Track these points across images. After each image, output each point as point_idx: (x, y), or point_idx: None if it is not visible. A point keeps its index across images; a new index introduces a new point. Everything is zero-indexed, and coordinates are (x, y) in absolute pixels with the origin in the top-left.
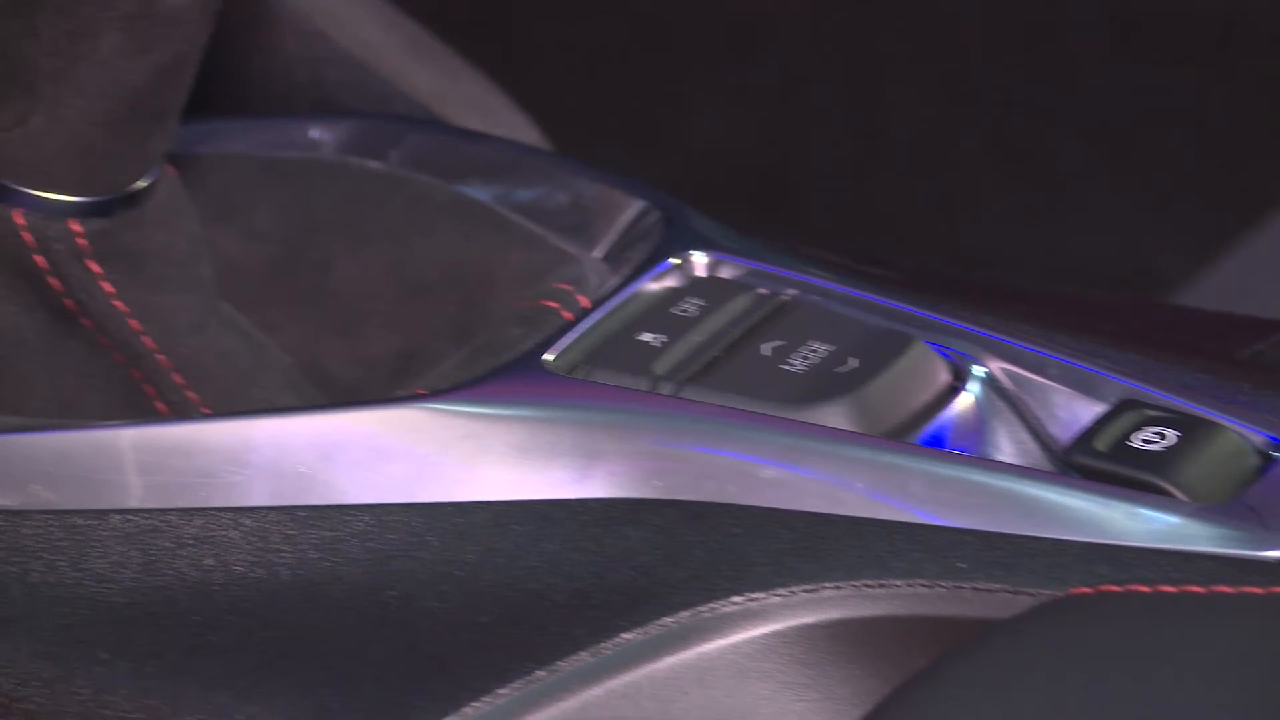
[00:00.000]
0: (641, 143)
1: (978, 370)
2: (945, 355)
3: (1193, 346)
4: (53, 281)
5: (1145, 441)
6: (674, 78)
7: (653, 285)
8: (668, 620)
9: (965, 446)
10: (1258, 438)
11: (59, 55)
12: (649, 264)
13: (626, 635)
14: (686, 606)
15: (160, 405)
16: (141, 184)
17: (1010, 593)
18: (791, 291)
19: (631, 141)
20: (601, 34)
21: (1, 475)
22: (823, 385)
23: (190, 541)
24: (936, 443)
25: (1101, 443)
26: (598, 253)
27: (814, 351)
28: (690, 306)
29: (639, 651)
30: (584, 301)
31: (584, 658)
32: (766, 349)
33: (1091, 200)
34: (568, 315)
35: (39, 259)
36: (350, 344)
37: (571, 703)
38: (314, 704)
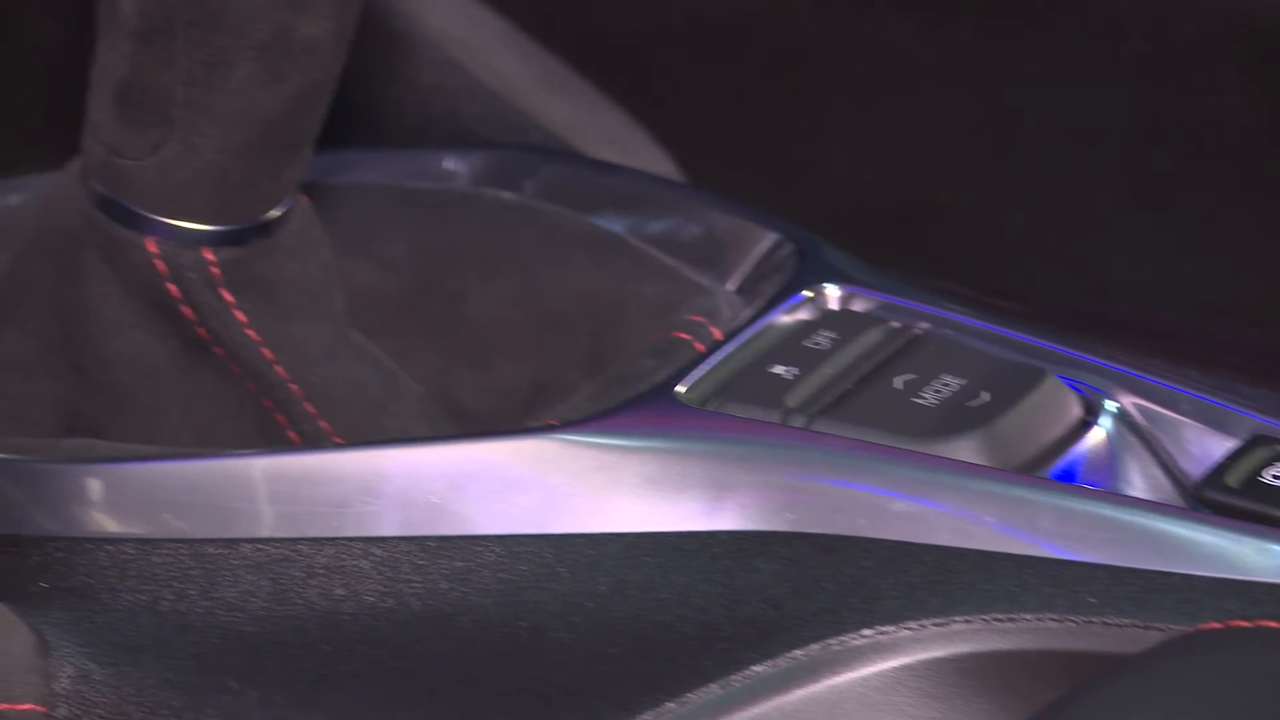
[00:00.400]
0: (776, 175)
1: (1109, 405)
2: (1077, 389)
3: None
4: (186, 310)
5: (1276, 477)
6: (810, 111)
7: (785, 318)
8: (797, 653)
9: (1096, 481)
10: None
11: (194, 84)
12: (782, 296)
13: (756, 668)
14: (816, 639)
15: (292, 434)
16: (275, 213)
17: (1140, 627)
18: (924, 325)
19: (766, 174)
20: (737, 67)
21: (132, 504)
22: (954, 419)
23: (321, 571)
24: (1067, 477)
25: (1233, 478)
26: (731, 285)
27: (946, 385)
28: (823, 339)
29: (768, 684)
30: (717, 333)
31: (713, 690)
32: (898, 382)
33: (1223, 237)
34: (700, 347)
35: (172, 288)
36: (482, 374)
37: None
38: None
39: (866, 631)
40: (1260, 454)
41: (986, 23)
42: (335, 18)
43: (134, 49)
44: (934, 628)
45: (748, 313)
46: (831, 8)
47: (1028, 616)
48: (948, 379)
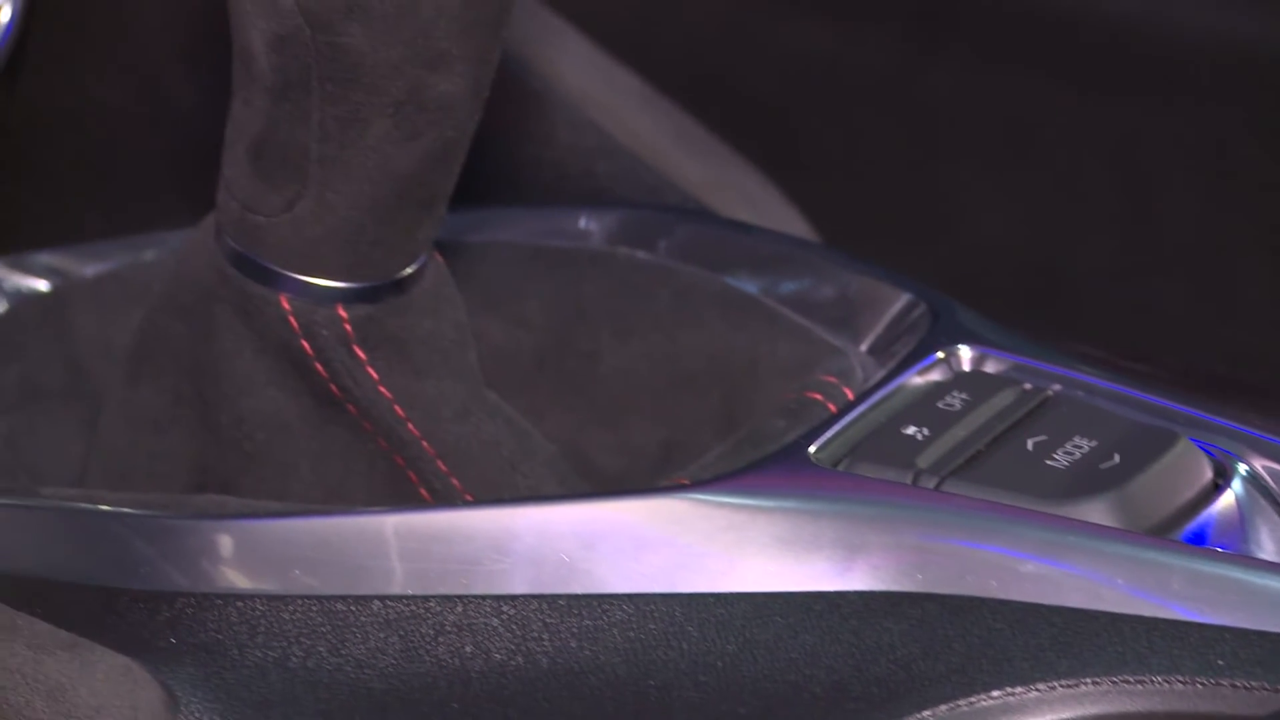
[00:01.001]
0: (910, 237)
1: (1241, 468)
2: (1208, 452)
3: None
4: (318, 367)
5: None
6: (945, 174)
7: (917, 379)
8: (926, 714)
9: (1227, 544)
10: None
11: (329, 141)
12: (914, 357)
13: None
14: (946, 700)
15: (423, 492)
16: (409, 270)
17: (1268, 690)
18: (1056, 386)
19: (900, 235)
20: (873, 129)
21: (263, 560)
22: (1085, 481)
23: (450, 629)
24: (1198, 540)
25: None
26: (864, 345)
27: (1077, 447)
28: (955, 400)
29: None
30: (849, 394)
31: None
32: (1030, 444)
33: None
34: (832, 407)
35: (305, 344)
36: (614, 433)
37: None
38: None
39: (996, 693)
40: None
41: (1122, 93)
42: (471, 75)
43: (269, 105)
44: (1063, 689)
45: (880, 373)
46: (966, 72)
47: (1156, 679)
48: (1079, 441)
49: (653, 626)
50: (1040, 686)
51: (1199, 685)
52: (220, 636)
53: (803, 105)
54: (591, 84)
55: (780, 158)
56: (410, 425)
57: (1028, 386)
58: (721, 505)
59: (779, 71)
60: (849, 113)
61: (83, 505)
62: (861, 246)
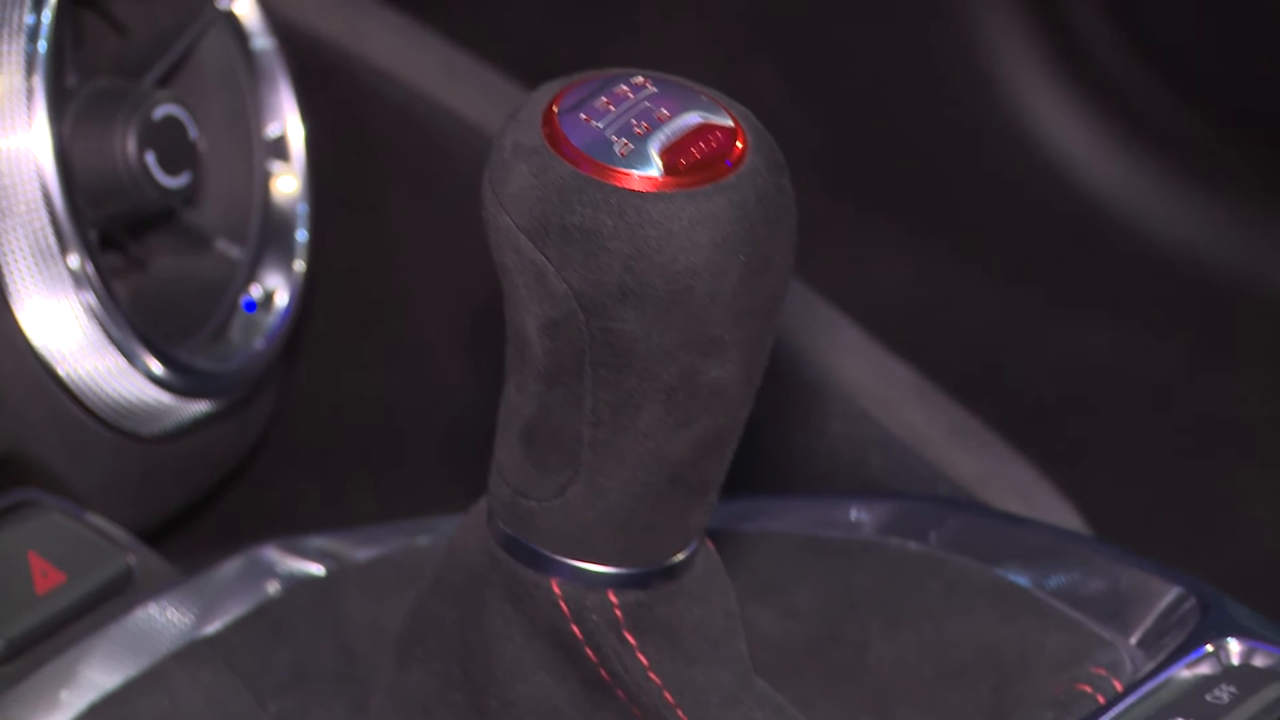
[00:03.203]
0: (1181, 532)
1: None
2: None
3: None
4: (589, 651)
5: None
6: (1222, 477)
7: (1186, 672)
8: None
9: None
10: None
11: (601, 426)
12: (1183, 650)
13: None
14: None
15: None
16: (680, 557)
17: None
18: None
19: (1171, 529)
20: (1150, 427)
21: None
22: None
23: None
24: None
25: None
26: (1133, 638)
27: None
28: (1223, 693)
29: None
30: (1118, 686)
31: None
32: None
33: None
34: (1101, 700)
35: (575, 629)
36: None
37: None
38: None
39: None
40: None
41: None
42: (744, 363)
43: (542, 390)
44: None
45: (1149, 666)
46: (1249, 380)
47: None
48: None
49: None
50: None
51: None
52: None
53: (1077, 403)
54: (866, 375)
55: (1053, 452)
56: (680, 712)
57: None
58: None
59: (1053, 370)
60: (1124, 412)
61: None
62: (1133, 540)
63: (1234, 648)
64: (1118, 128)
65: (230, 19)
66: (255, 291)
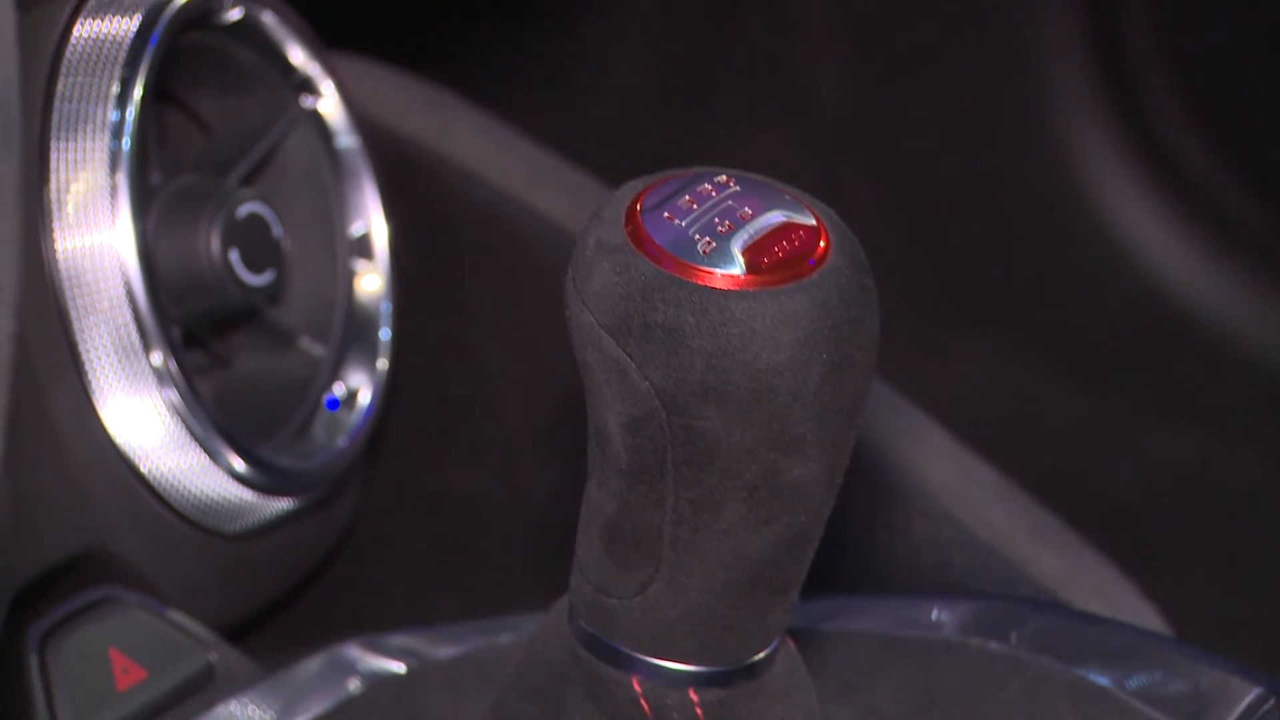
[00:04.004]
0: (1264, 633)
1: None
2: None
3: None
4: None
5: None
6: None
7: None
8: None
9: None
10: None
11: (682, 524)
12: None
13: None
14: None
15: None
16: (761, 655)
17: None
18: None
19: (1251, 631)
20: (1236, 533)
21: None
22: None
23: None
24: None
25: None
26: None
27: None
28: None
29: None
30: None
31: None
32: None
33: None
34: None
35: None
36: None
37: None
38: None
39: None
40: None
41: None
42: (825, 461)
43: (624, 488)
44: None
45: None
46: None
47: None
48: None
49: None
50: None
51: None
52: None
53: (1160, 504)
54: (948, 475)
55: (1136, 553)
56: None
57: None
58: None
59: (1137, 472)
60: (1207, 514)
61: None
62: (1215, 641)
63: None
64: (1205, 234)
65: (315, 117)
66: (338, 389)
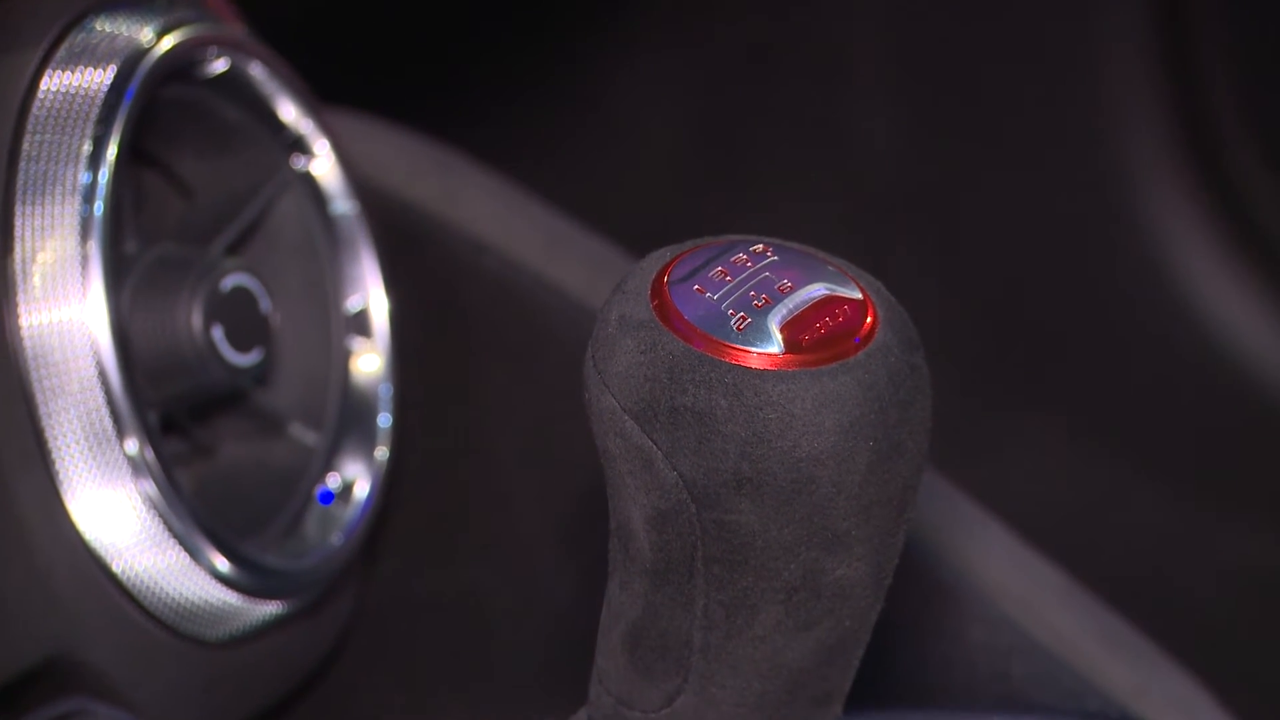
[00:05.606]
0: None
1: None
2: None
3: None
4: None
5: None
6: None
7: None
8: None
9: None
10: None
11: (714, 629)
12: None
13: None
14: None
15: None
16: None
17: None
18: None
19: None
20: None
21: None
22: None
23: None
24: None
25: None
26: None
27: None
28: None
29: None
30: None
31: None
32: None
33: None
34: None
35: None
36: None
37: None
38: None
39: None
40: None
41: None
42: (872, 560)
43: (649, 588)
44: None
45: None
46: None
47: None
48: None
49: None
50: None
51: None
52: None
53: (1244, 613)
54: (1008, 576)
55: (1216, 663)
56: None
57: None
58: None
59: (1213, 576)
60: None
61: None
62: None
63: None
64: None
65: (308, 180)
66: (333, 481)
